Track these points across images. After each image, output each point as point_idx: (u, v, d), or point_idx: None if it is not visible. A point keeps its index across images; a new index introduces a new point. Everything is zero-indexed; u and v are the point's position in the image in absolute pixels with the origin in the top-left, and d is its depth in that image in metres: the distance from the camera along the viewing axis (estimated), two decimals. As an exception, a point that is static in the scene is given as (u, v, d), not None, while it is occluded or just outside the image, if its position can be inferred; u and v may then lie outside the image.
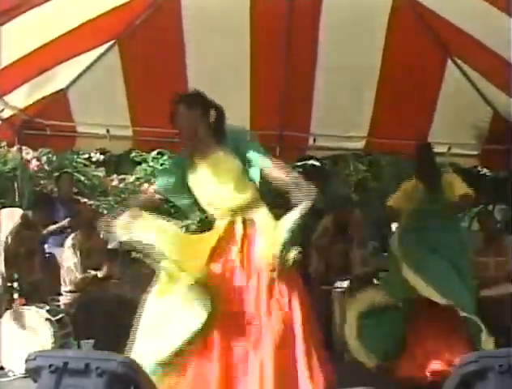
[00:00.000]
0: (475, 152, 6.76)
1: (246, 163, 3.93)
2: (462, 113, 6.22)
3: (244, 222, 3.85)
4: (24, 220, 5.82)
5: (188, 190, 4.03)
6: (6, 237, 5.74)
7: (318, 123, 6.49)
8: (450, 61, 5.93)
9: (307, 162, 9.78)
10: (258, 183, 3.90)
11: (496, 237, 6.27)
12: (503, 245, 6.21)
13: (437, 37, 5.66)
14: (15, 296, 5.83)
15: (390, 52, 5.74)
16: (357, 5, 5.24)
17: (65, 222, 6.77)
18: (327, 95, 6.16)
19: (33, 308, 5.41)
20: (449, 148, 6.71)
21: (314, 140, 6.76)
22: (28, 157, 8.88)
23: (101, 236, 5.53)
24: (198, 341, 3.60)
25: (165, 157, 10.37)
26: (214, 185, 3.91)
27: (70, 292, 5.97)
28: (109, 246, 6.11)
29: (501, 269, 6.04)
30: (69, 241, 6.10)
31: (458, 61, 5.90)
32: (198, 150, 4.00)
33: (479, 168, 7.45)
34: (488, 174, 7.70)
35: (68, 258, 6.05)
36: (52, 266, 6.30)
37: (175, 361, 3.57)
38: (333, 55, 5.80)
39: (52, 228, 6.66)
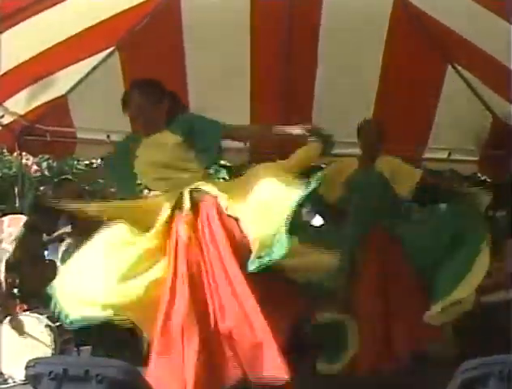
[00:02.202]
0: (475, 158, 6.76)
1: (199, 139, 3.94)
2: (462, 118, 6.22)
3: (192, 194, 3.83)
4: (28, 226, 5.82)
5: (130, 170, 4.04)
6: (11, 244, 5.75)
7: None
8: (450, 67, 5.94)
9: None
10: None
11: (496, 242, 6.27)
12: (503, 250, 6.20)
13: (438, 43, 5.67)
14: (17, 302, 5.83)
15: (391, 57, 5.75)
16: (357, 11, 5.25)
17: (66, 229, 6.76)
18: (328, 100, 6.16)
19: (34, 314, 5.40)
20: (449, 154, 6.71)
21: (314, 146, 6.75)
22: (29, 163, 8.88)
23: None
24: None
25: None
26: (156, 161, 3.91)
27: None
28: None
29: (501, 274, 6.04)
30: (62, 249, 6.09)
31: (459, 67, 5.92)
32: (146, 132, 4.00)
33: (478, 175, 7.45)
34: (488, 180, 7.69)
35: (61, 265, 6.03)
36: (52, 272, 6.28)
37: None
38: (333, 61, 5.81)
39: (52, 237, 6.65)
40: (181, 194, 3.85)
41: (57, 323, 5.38)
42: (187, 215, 3.76)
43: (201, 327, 3.50)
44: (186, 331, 3.48)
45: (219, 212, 3.77)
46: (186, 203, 3.80)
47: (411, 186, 5.27)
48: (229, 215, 3.76)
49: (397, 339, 4.83)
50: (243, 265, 3.58)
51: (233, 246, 3.67)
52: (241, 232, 3.70)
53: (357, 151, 6.67)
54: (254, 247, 3.57)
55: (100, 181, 10.62)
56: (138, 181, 4.13)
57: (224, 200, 3.78)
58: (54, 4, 4.33)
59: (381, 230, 5.10)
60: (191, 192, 3.85)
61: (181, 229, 3.74)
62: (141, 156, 4.02)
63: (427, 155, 6.70)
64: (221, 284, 3.60)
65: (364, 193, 5.23)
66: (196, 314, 3.53)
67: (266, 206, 3.64)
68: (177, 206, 3.83)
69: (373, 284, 4.95)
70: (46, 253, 6.57)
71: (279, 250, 3.50)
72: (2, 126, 5.86)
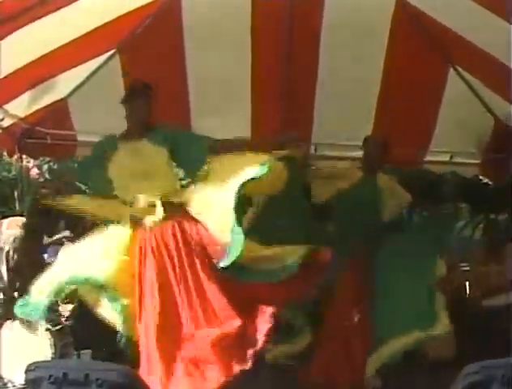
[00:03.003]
0: (477, 161, 6.74)
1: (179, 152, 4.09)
2: (464, 120, 6.20)
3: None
4: (28, 229, 5.81)
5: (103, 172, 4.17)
6: (11, 246, 5.73)
7: (320, 132, 6.47)
8: (451, 70, 5.93)
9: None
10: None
11: (498, 245, 6.26)
12: (504, 253, 6.19)
13: (440, 46, 5.66)
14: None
15: (392, 61, 5.73)
16: (359, 15, 5.25)
17: (66, 233, 6.73)
18: (329, 102, 6.13)
19: (34, 318, 5.38)
20: (451, 157, 6.69)
21: (315, 149, 6.74)
22: (29, 166, 8.86)
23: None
24: None
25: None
26: (136, 174, 4.04)
27: (66, 302, 5.92)
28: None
29: (503, 278, 6.02)
30: (62, 252, 6.06)
31: (460, 69, 5.90)
32: (128, 136, 4.18)
33: (480, 177, 7.43)
34: (490, 183, 7.68)
35: None
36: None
37: None
38: (334, 64, 5.80)
39: (52, 239, 6.62)
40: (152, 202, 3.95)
41: (58, 327, 5.38)
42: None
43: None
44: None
45: (189, 223, 3.93)
46: (158, 213, 3.92)
47: (396, 212, 5.43)
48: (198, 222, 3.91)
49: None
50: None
51: (206, 256, 3.85)
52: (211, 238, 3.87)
53: (357, 153, 6.71)
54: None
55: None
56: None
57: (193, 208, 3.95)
58: (56, 8, 4.33)
59: (363, 255, 5.19)
60: (163, 203, 3.94)
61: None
62: (118, 160, 4.07)
63: (428, 158, 6.68)
64: (194, 293, 3.80)
65: (360, 205, 5.28)
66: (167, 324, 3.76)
67: (225, 208, 3.77)
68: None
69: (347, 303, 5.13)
70: (46, 256, 6.54)
71: (234, 251, 3.67)
72: (2, 128, 5.84)
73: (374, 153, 5.44)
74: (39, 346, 5.22)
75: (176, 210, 3.98)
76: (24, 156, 6.87)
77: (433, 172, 7.02)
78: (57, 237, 6.68)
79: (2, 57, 4.40)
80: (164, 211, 3.94)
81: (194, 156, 4.11)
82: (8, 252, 5.74)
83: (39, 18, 4.30)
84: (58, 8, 4.33)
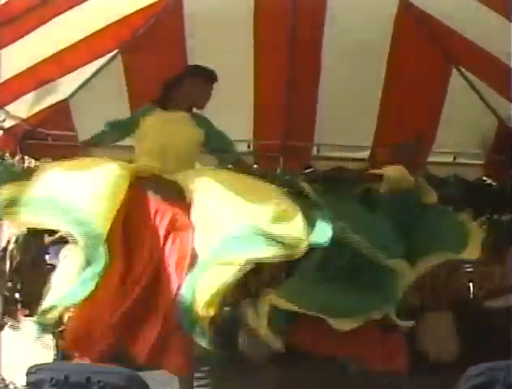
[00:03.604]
0: (481, 162, 6.73)
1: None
2: (468, 122, 6.20)
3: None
4: (30, 229, 5.81)
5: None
6: (13, 246, 5.73)
7: (322, 133, 6.46)
8: (454, 70, 5.93)
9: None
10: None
11: (501, 246, 6.25)
12: (508, 254, 6.18)
13: (442, 46, 5.65)
14: (18, 306, 5.81)
15: (395, 61, 5.73)
16: (361, 15, 5.24)
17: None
18: (331, 104, 6.12)
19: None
20: (454, 158, 6.68)
21: (318, 150, 6.72)
22: (31, 166, 8.87)
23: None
24: None
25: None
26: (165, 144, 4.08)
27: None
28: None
29: (506, 279, 6.01)
30: (63, 253, 6.05)
31: (463, 70, 5.90)
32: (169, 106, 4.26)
33: (484, 178, 7.42)
34: (493, 184, 7.68)
35: None
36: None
37: None
38: (337, 65, 5.79)
39: (53, 238, 6.61)
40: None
41: (60, 329, 5.36)
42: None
43: None
44: None
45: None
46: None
47: None
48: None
49: None
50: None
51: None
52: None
53: (359, 154, 6.71)
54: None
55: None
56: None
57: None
58: (59, 10, 4.34)
59: None
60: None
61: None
62: (155, 127, 4.14)
63: (432, 159, 6.67)
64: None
65: None
66: None
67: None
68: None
69: None
70: (47, 257, 6.54)
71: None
72: (4, 129, 5.85)
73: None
74: (41, 348, 5.22)
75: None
76: (27, 157, 6.87)
77: (434, 175, 6.98)
78: (57, 236, 6.67)
79: (4, 59, 4.40)
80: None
81: (228, 147, 4.37)
82: (12, 251, 5.74)
83: (42, 20, 4.31)
84: (61, 10, 4.35)
